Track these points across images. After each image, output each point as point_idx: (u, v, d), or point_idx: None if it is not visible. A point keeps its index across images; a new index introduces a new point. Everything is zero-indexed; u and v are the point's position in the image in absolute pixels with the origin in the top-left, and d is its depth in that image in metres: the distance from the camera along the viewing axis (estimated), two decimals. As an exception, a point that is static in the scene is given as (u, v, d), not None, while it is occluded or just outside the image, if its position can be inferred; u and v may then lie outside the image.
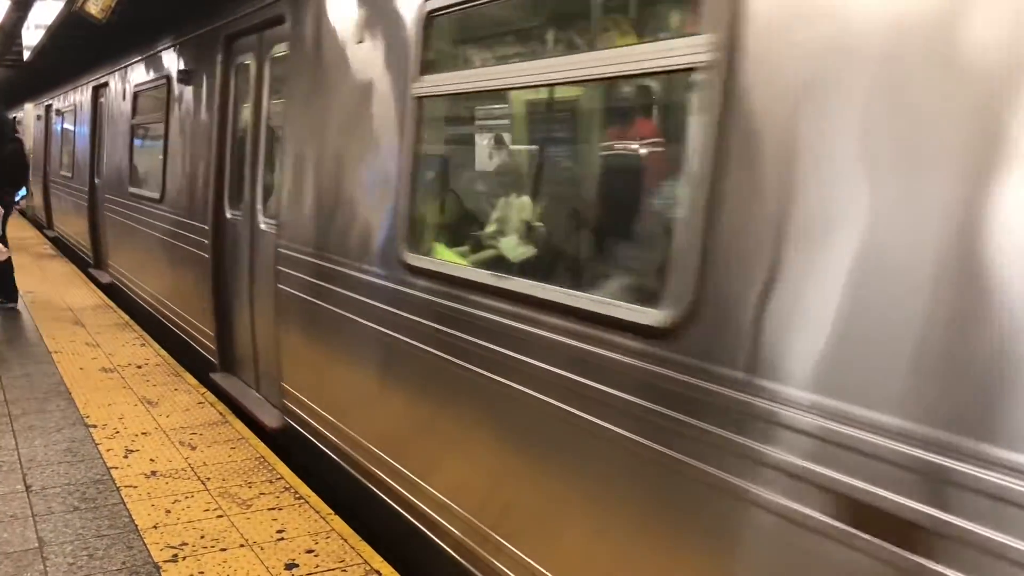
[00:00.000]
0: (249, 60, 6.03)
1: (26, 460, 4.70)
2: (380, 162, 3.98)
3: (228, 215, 6.34)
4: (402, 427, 3.83)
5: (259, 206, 5.79)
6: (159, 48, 8.50)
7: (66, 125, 14.90)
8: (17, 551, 3.67)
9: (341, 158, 4.38)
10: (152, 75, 8.78)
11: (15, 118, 24.05)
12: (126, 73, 9.97)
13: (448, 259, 3.71)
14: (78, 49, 12.05)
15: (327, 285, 4.41)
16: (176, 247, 7.49)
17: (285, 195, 5.04)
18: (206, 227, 6.55)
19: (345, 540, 3.86)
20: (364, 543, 3.84)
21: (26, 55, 14.41)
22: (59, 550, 3.69)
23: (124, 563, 3.60)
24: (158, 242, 8.12)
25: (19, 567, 3.53)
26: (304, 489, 4.41)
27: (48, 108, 17.17)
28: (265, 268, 5.47)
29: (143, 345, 7.53)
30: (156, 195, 8.14)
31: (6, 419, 5.38)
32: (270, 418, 5.31)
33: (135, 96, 9.52)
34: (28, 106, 20.13)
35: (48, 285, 10.56)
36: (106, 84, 11.18)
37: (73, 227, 13.74)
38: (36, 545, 3.73)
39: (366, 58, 4.10)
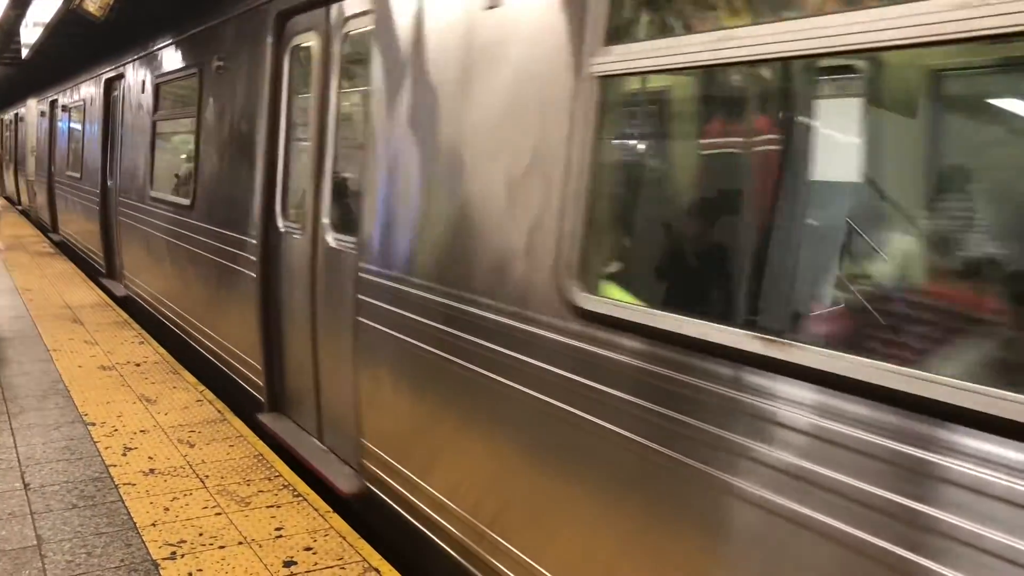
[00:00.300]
0: (311, 41, 4.94)
1: (24, 458, 4.70)
2: (530, 165, 2.91)
3: (281, 227, 5.27)
4: (569, 530, 2.79)
5: (326, 219, 4.69)
6: (187, 33, 7.40)
7: (73, 121, 13.74)
8: (15, 548, 3.67)
9: (464, 160, 3.30)
10: (179, 64, 7.66)
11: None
12: (146, 63, 8.87)
13: (630, 301, 2.66)
14: (78, 47, 12.03)
15: (440, 326, 3.38)
16: (212, 262, 6.38)
17: (372, 207, 3.97)
18: (252, 241, 5.49)
19: (344, 538, 3.86)
20: (362, 540, 3.85)
21: (24, 53, 14.40)
22: (57, 548, 3.69)
23: (122, 560, 3.60)
24: (188, 255, 7.03)
25: (17, 564, 3.53)
26: (302, 487, 4.41)
27: (53, 104, 16.04)
28: (336, 295, 4.50)
29: (141, 343, 7.53)
30: (186, 201, 7.09)
31: (4, 417, 5.38)
32: (344, 480, 4.32)
33: (157, 88, 8.41)
34: (31, 102, 19.22)
35: (47, 283, 10.55)
36: (121, 76, 10.05)
37: (82, 232, 12.62)
38: (34, 543, 3.73)
39: (504, 29, 3.08)
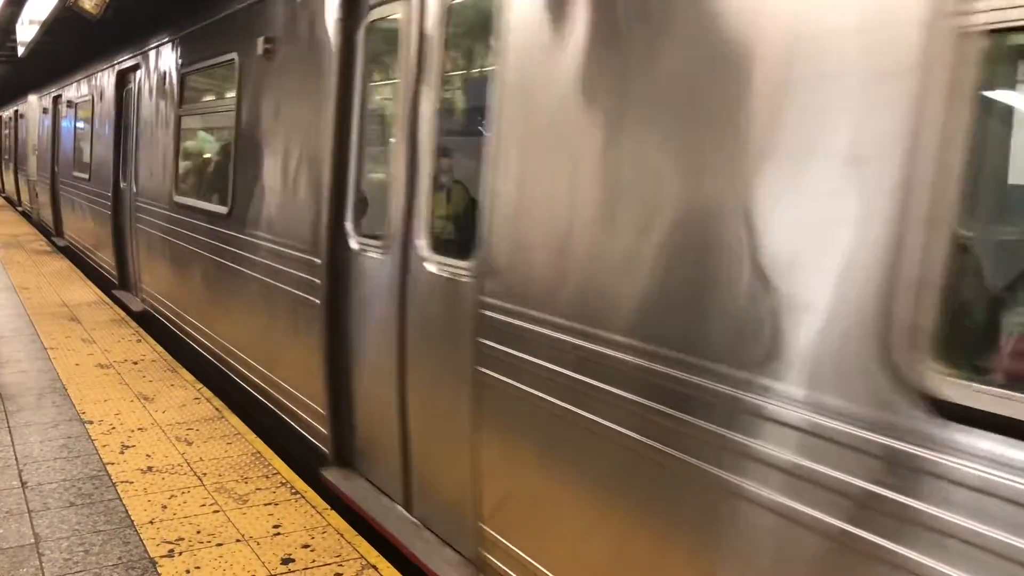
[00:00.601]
0: (397, 14, 3.97)
1: (22, 456, 4.70)
2: (826, 169, 1.93)
3: (354, 246, 4.29)
4: None
5: (422, 238, 3.71)
6: (222, 13, 6.36)
7: (80, 118, 12.69)
8: (13, 547, 3.67)
9: (682, 164, 2.32)
10: (212, 50, 6.60)
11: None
12: (168, 50, 7.82)
13: None
14: (74, 44, 12.00)
15: (634, 398, 2.44)
16: (257, 282, 5.45)
17: (504, 224, 3.03)
18: (313, 260, 4.55)
19: (341, 535, 3.87)
20: (360, 538, 3.85)
21: (21, 50, 14.37)
22: (55, 546, 3.69)
23: (120, 558, 3.60)
24: (225, 271, 6.06)
25: (15, 563, 3.54)
26: (300, 484, 4.42)
27: (56, 99, 14.95)
28: (439, 334, 3.60)
29: (139, 341, 7.53)
30: (222, 209, 6.09)
31: (2, 415, 5.38)
32: (454, 574, 3.43)
33: (182, 80, 7.36)
34: (32, 98, 18.43)
35: (44, 282, 10.54)
36: (136, 67, 9.00)
37: (90, 238, 11.62)
38: (32, 541, 3.73)
39: None
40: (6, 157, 24.99)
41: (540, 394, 2.82)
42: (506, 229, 3.02)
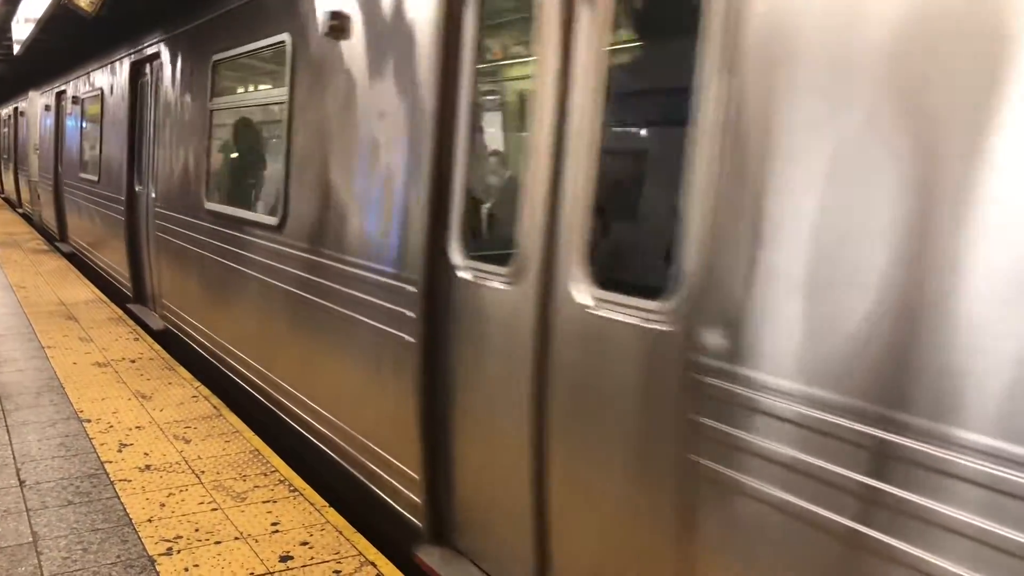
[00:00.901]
0: None
1: (20, 455, 4.69)
2: None
3: (465, 274, 3.40)
4: None
5: (575, 266, 2.80)
6: None
7: (87, 115, 11.77)
8: (11, 545, 3.66)
9: None
10: (251, 34, 5.65)
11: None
12: (195, 36, 6.91)
13: None
14: (71, 42, 11.96)
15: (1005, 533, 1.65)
16: (319, 307, 4.54)
17: (743, 252, 2.17)
18: (404, 287, 3.69)
19: (340, 532, 3.87)
20: (359, 535, 3.85)
21: (16, 49, 14.34)
22: (53, 544, 3.69)
23: (119, 556, 3.60)
24: (274, 293, 5.18)
25: (13, 561, 3.53)
26: (298, 482, 4.42)
27: (60, 95, 13.98)
28: (613, 399, 2.63)
29: (136, 339, 7.52)
30: (271, 219, 5.21)
31: (-1, 414, 5.38)
32: None
33: (215, 68, 6.38)
34: (33, 94, 17.84)
35: (41, 280, 10.53)
36: (154, 57, 8.12)
37: (99, 245, 10.86)
38: (30, 540, 3.73)
39: None
40: (5, 157, 24.56)
41: (818, 510, 1.97)
42: (741, 259, 2.16)
